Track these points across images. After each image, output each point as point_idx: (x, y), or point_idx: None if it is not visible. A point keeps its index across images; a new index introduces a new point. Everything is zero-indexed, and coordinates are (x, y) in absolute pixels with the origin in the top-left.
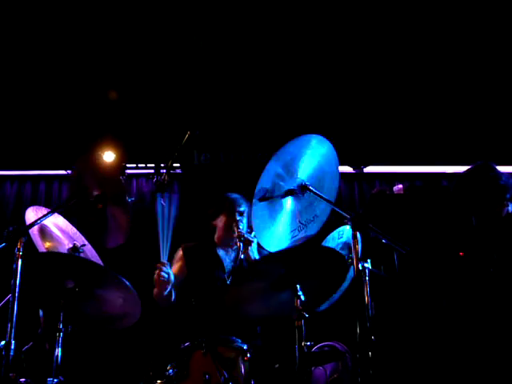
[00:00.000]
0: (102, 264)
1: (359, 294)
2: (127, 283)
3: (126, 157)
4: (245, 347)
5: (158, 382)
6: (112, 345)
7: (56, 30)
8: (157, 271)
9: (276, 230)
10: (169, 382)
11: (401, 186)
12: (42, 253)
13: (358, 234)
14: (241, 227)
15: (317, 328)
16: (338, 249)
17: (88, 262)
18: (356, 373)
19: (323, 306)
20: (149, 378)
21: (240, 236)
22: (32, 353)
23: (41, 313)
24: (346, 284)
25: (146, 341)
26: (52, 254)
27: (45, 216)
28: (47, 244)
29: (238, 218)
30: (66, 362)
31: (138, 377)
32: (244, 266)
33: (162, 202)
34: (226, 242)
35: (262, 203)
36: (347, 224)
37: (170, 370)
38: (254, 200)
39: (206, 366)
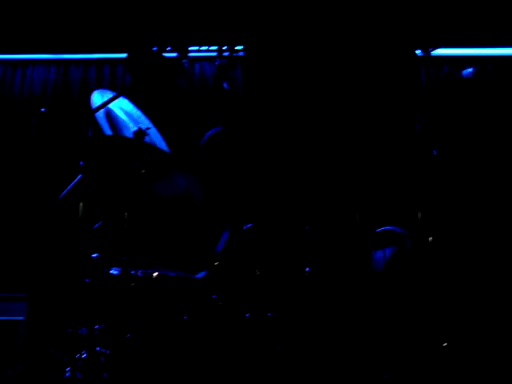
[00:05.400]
0: (166, 147)
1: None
2: (187, 167)
3: (187, 39)
4: None
5: None
6: None
7: None
8: None
9: None
10: None
11: (471, 69)
12: (108, 136)
13: None
14: None
15: (376, 214)
16: None
17: (150, 146)
18: (415, 255)
19: None
20: None
21: None
22: (102, 231)
23: None
24: None
25: None
26: (117, 138)
27: (112, 100)
28: None
29: None
30: None
31: None
32: None
33: (225, 87)
34: None
35: None
36: None
37: None
38: None
39: None
